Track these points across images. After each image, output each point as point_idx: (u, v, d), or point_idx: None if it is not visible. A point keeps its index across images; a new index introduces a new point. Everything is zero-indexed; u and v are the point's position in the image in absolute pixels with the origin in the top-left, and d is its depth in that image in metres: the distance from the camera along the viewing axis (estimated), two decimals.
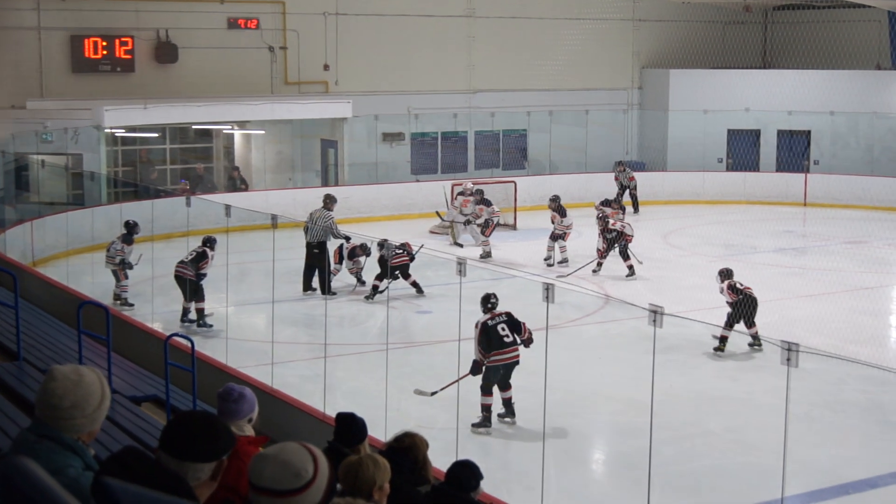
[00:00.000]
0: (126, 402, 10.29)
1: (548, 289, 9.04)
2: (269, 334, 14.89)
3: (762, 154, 33.71)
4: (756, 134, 33.78)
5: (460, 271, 10.06)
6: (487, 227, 23.56)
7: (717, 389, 14.05)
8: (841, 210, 30.25)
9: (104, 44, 27.46)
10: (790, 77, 33.12)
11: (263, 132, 30.04)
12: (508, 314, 12.63)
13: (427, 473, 6.32)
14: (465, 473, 6.35)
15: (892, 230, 27.18)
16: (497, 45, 32.29)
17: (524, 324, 12.60)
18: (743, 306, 15.77)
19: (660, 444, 11.11)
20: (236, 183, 28.87)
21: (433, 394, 12.75)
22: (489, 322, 12.46)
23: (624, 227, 21.49)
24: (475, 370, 12.46)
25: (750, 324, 15.76)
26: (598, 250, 21.70)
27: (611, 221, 21.68)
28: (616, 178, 30.25)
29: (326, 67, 30.13)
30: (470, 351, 12.57)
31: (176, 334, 11.87)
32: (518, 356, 12.49)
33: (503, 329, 12.43)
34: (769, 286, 20.70)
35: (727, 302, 16.10)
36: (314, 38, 29.72)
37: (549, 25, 32.85)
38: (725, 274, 16.35)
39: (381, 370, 12.74)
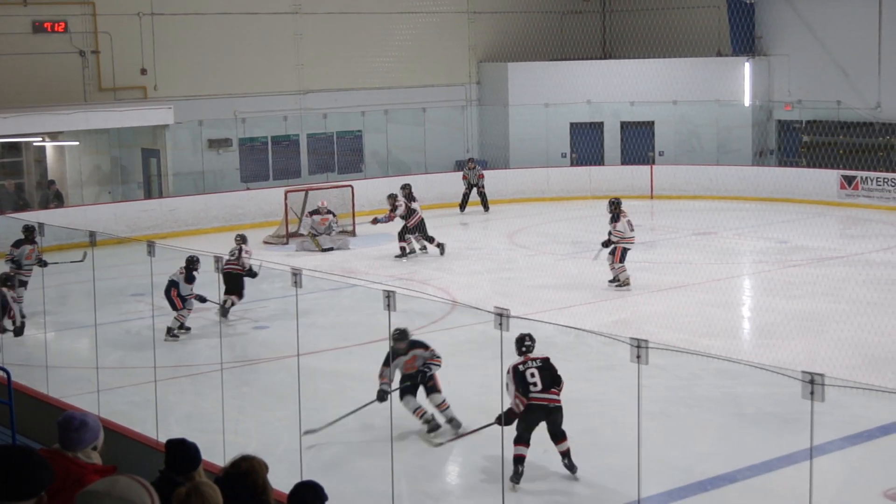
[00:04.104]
0: None
1: (389, 297, 9.06)
2: (94, 360, 14.58)
3: (606, 147, 34.46)
4: (599, 126, 34.50)
5: (296, 282, 10.01)
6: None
7: (570, 391, 14.30)
8: (688, 201, 31.15)
9: None
10: (631, 67, 33.94)
11: (78, 143, 29.34)
12: (545, 360, 11.76)
13: (268, 497, 6.29)
14: (309, 495, 6.34)
15: (740, 219, 28.09)
16: (326, 43, 32.26)
17: (562, 383, 11.70)
18: None
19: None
20: (49, 198, 28.14)
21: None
22: (520, 367, 11.58)
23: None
24: (507, 420, 11.35)
25: None
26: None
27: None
28: (464, 177, 30.58)
29: (144, 72, 29.62)
30: (315, 367, 12.48)
31: None
32: (555, 401, 11.55)
33: (532, 375, 11.54)
34: None
35: None
36: (129, 41, 29.18)
37: (380, 20, 32.97)
38: None
39: (216, 392, 12.60)
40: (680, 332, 17.01)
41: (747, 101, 33.25)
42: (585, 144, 34.46)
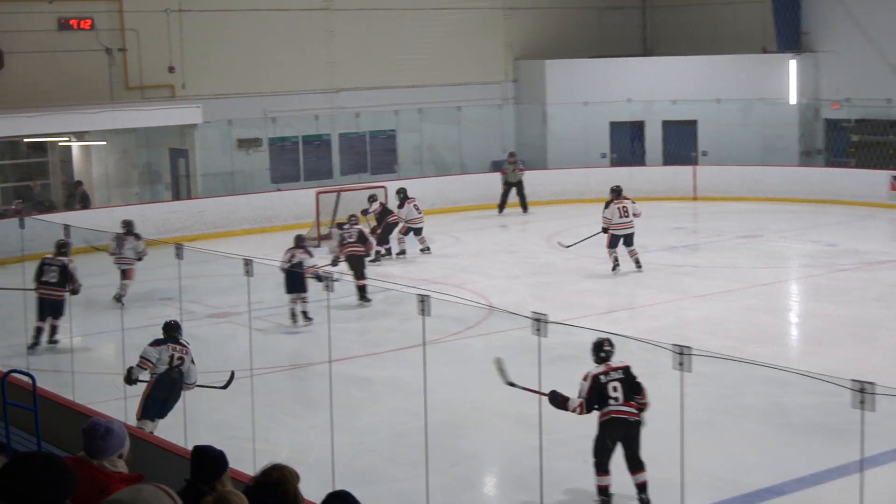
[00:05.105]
0: None
1: (423, 301, 9.03)
2: (121, 365, 14.62)
3: (648, 147, 34.29)
4: (640, 126, 34.34)
5: (327, 286, 10.00)
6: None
7: None
8: (733, 203, 30.98)
9: None
10: (673, 64, 33.79)
11: (105, 143, 29.50)
12: (626, 369, 11.36)
13: None
14: None
15: (787, 222, 27.91)
16: (359, 40, 32.26)
17: (645, 389, 11.29)
18: None
19: (553, 462, 11.20)
20: (76, 199, 28.28)
21: (505, 380, 11.78)
22: (601, 378, 11.23)
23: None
24: (557, 401, 11.21)
25: None
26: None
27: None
28: (503, 172, 30.53)
29: (172, 70, 29.72)
30: (347, 373, 12.47)
31: (14, 371, 11.55)
32: (634, 414, 11.19)
33: (615, 389, 11.17)
34: (661, 287, 21.12)
35: None
36: (156, 38, 29.30)
37: (413, 17, 32.96)
38: None
39: (246, 398, 12.60)
40: (724, 339, 16.90)
41: (793, 100, 32.99)
42: (626, 144, 34.35)
